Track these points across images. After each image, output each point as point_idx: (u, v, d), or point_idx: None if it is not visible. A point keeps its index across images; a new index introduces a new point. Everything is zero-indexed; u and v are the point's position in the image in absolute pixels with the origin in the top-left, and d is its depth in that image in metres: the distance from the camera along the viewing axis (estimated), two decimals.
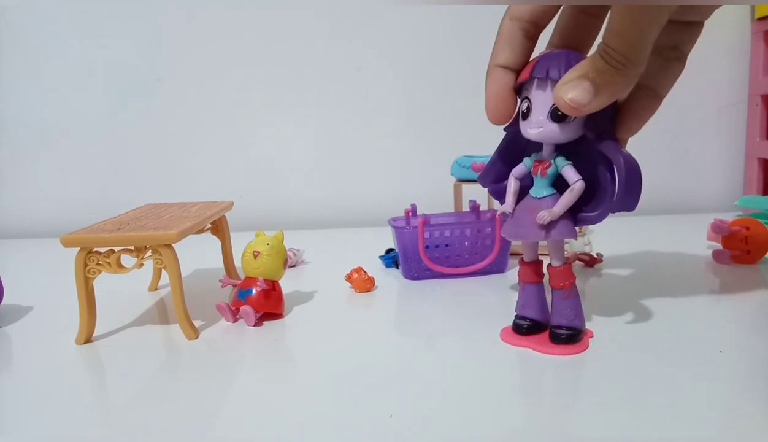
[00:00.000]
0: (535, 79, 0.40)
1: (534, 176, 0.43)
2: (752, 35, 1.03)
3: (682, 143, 1.09)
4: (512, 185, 0.45)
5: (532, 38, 0.42)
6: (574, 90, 0.37)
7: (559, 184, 0.43)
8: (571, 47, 0.43)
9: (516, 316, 0.47)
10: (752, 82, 1.04)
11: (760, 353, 0.42)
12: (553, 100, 0.38)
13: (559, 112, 0.39)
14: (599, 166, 0.42)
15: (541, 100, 0.40)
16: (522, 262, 0.46)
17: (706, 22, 0.43)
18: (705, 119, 1.09)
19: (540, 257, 0.46)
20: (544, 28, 0.42)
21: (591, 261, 0.69)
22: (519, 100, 0.43)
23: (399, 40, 1.03)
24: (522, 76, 0.41)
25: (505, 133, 0.46)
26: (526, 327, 0.46)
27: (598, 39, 0.38)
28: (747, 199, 0.86)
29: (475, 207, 0.71)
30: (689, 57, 0.43)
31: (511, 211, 0.45)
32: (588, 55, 0.39)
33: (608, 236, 0.78)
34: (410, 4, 1.00)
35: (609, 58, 0.36)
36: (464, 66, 1.01)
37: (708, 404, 0.36)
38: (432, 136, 1.05)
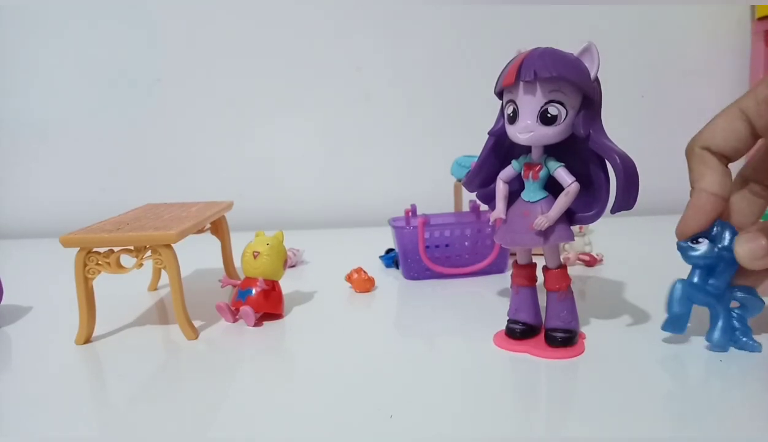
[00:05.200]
0: (522, 83, 0.39)
1: (525, 180, 0.43)
2: (752, 35, 1.03)
3: (682, 143, 1.09)
4: (501, 190, 0.44)
5: (726, 164, 0.42)
6: (749, 245, 0.39)
7: (551, 185, 0.42)
8: (761, 179, 0.43)
9: (509, 320, 0.47)
10: (752, 82, 1.04)
11: (760, 354, 0.42)
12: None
13: (549, 115, 0.39)
14: (591, 165, 0.41)
15: (529, 103, 0.39)
16: (516, 265, 0.46)
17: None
18: (705, 119, 1.08)
19: (533, 259, 0.46)
20: (734, 161, 0.42)
21: (591, 261, 0.69)
22: (503, 103, 0.42)
23: (399, 40, 1.03)
24: (506, 81, 0.40)
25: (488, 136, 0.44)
26: (519, 331, 0.45)
27: None
28: None
29: (475, 207, 0.71)
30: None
31: (503, 217, 0.44)
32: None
33: (608, 236, 0.78)
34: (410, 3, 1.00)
35: None
36: (465, 66, 1.02)
37: (707, 407, 0.35)
38: (432, 136, 1.05)
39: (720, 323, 0.42)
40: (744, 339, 0.42)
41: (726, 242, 0.41)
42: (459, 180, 0.75)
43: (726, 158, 0.41)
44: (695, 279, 0.42)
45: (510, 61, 0.40)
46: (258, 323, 0.53)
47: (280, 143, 1.06)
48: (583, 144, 0.40)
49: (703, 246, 0.41)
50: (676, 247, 0.43)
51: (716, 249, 0.41)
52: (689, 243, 0.42)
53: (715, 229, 0.41)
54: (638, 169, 0.40)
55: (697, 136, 0.42)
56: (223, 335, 0.51)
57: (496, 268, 0.67)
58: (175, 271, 0.49)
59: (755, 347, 0.42)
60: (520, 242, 0.43)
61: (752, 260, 0.39)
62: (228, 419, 0.36)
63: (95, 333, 0.51)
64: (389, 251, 0.74)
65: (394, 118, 1.05)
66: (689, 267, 0.43)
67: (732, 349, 0.42)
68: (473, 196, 0.49)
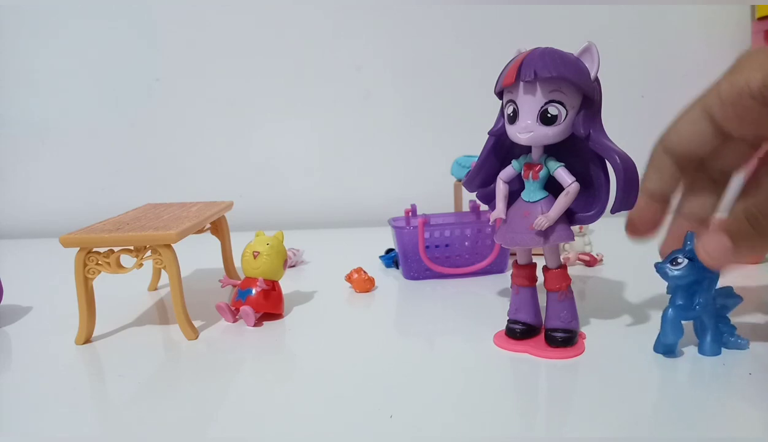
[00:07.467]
0: (522, 83, 0.39)
1: (525, 180, 0.43)
2: (752, 35, 1.03)
3: None
4: (501, 190, 0.44)
5: (684, 169, 0.41)
6: (712, 244, 0.38)
7: (551, 185, 0.42)
8: (720, 170, 0.42)
9: (509, 320, 0.47)
10: None
11: (760, 355, 0.42)
12: (695, 251, 0.39)
13: (549, 115, 0.39)
14: (591, 164, 0.41)
15: (528, 103, 0.39)
16: (516, 265, 0.46)
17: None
18: None
19: (533, 259, 0.46)
20: (698, 161, 0.41)
21: (591, 261, 0.69)
22: (503, 103, 0.42)
23: (399, 40, 1.03)
24: (506, 81, 0.39)
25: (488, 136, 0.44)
26: (519, 331, 0.45)
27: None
28: None
29: (475, 207, 0.71)
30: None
31: (503, 217, 0.44)
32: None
33: (608, 236, 0.78)
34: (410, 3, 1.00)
35: (756, 223, 0.36)
36: (464, 65, 1.02)
37: (707, 407, 0.35)
38: (432, 136, 1.05)
39: (709, 335, 0.42)
40: (732, 339, 0.42)
41: None
42: (459, 180, 0.75)
43: (689, 159, 0.41)
44: (680, 301, 0.41)
45: (510, 61, 0.40)
46: (258, 323, 0.53)
47: (280, 143, 1.06)
48: (583, 144, 0.40)
49: (682, 265, 0.40)
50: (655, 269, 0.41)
51: (698, 266, 0.39)
52: (668, 264, 0.40)
53: (688, 243, 0.40)
54: (638, 169, 0.40)
55: (662, 135, 0.42)
56: (223, 335, 0.51)
57: (496, 268, 0.67)
58: (175, 271, 0.49)
59: (743, 345, 0.42)
60: (520, 242, 0.43)
61: (717, 261, 0.38)
62: (228, 419, 0.36)
63: (95, 333, 0.51)
64: (389, 251, 0.74)
65: (394, 118, 1.05)
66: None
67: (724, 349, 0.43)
68: (473, 196, 0.49)
